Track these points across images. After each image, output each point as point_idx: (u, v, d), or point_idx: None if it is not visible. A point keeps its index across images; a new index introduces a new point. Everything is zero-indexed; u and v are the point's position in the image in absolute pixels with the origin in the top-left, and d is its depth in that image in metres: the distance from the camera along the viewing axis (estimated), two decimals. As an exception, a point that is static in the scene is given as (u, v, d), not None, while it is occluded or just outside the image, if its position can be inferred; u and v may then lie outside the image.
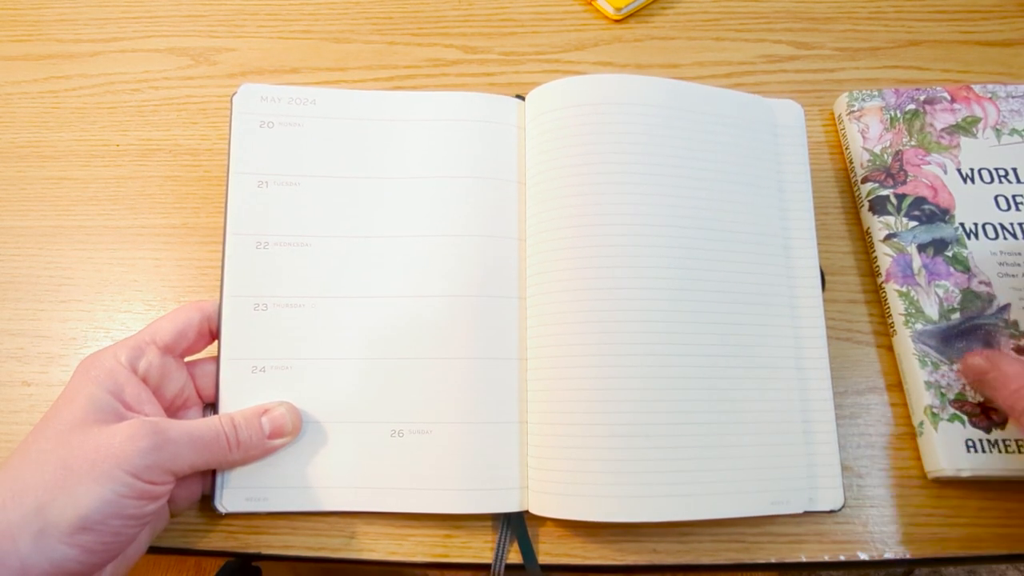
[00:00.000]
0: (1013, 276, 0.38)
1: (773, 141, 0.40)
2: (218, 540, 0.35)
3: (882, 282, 0.40)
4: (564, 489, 0.34)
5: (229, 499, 0.35)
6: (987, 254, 0.39)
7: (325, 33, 0.51)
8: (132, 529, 0.30)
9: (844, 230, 0.43)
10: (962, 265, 0.39)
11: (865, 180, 0.42)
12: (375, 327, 0.37)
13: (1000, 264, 0.39)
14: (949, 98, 0.43)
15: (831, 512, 0.35)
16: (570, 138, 0.38)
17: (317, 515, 0.36)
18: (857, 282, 0.42)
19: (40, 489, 0.28)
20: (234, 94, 0.40)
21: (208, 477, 0.35)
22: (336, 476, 0.35)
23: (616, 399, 0.34)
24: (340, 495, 0.35)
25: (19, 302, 0.42)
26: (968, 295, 0.38)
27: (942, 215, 0.40)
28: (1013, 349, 0.37)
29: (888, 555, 0.35)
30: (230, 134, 0.39)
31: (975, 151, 0.42)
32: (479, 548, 0.35)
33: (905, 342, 0.38)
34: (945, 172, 0.41)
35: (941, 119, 0.43)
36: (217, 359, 0.36)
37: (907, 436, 0.38)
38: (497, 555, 0.34)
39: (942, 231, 0.40)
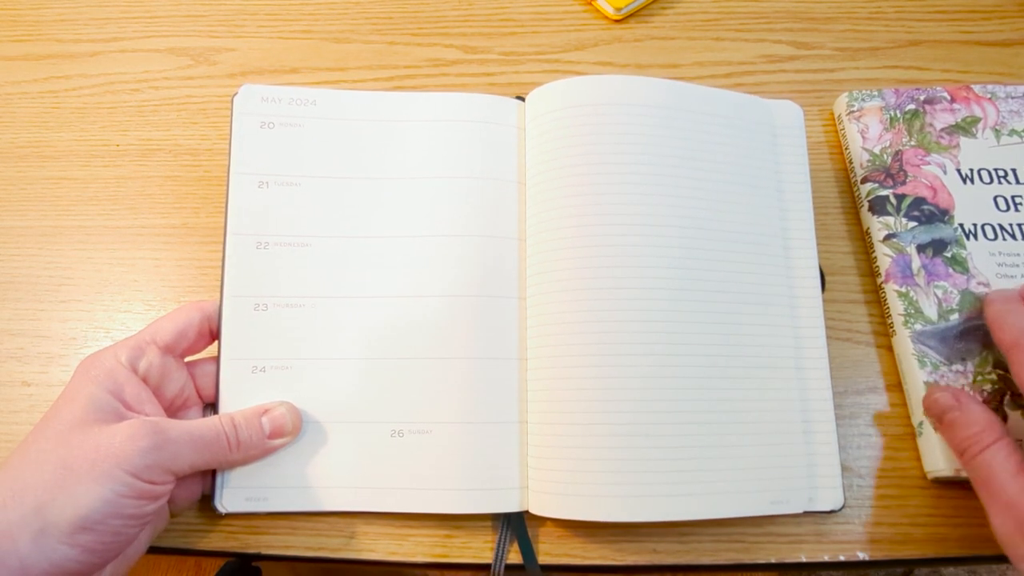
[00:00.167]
0: (1012, 277, 0.38)
1: (772, 141, 0.40)
2: (218, 540, 0.35)
3: (881, 282, 0.40)
4: (564, 489, 0.34)
5: (229, 499, 0.35)
6: (986, 255, 0.39)
7: (325, 33, 0.51)
8: (132, 529, 0.30)
9: (844, 230, 0.43)
10: (961, 266, 0.39)
11: (865, 180, 0.42)
12: (375, 327, 0.37)
13: (999, 265, 0.39)
14: (949, 98, 0.43)
15: (831, 512, 0.35)
16: (570, 139, 0.38)
17: (317, 515, 0.36)
18: (857, 282, 0.42)
19: (40, 489, 0.28)
20: (234, 95, 0.40)
21: (208, 477, 0.35)
22: (336, 476, 0.35)
23: (616, 399, 0.34)
24: (340, 495, 0.35)
25: (19, 302, 0.42)
26: (967, 296, 0.38)
27: (941, 216, 0.40)
28: None
29: (888, 555, 0.35)
30: (230, 135, 0.39)
31: (975, 151, 0.42)
32: (479, 548, 0.35)
33: (904, 342, 0.38)
34: (945, 172, 0.41)
35: (941, 119, 0.43)
36: (217, 359, 0.36)
37: (907, 436, 0.38)
38: (497, 555, 0.34)
39: (941, 232, 0.40)
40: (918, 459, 0.37)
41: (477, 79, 0.49)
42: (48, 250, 0.43)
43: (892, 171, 0.42)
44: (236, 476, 0.35)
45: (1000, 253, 0.39)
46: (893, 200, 0.41)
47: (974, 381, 0.36)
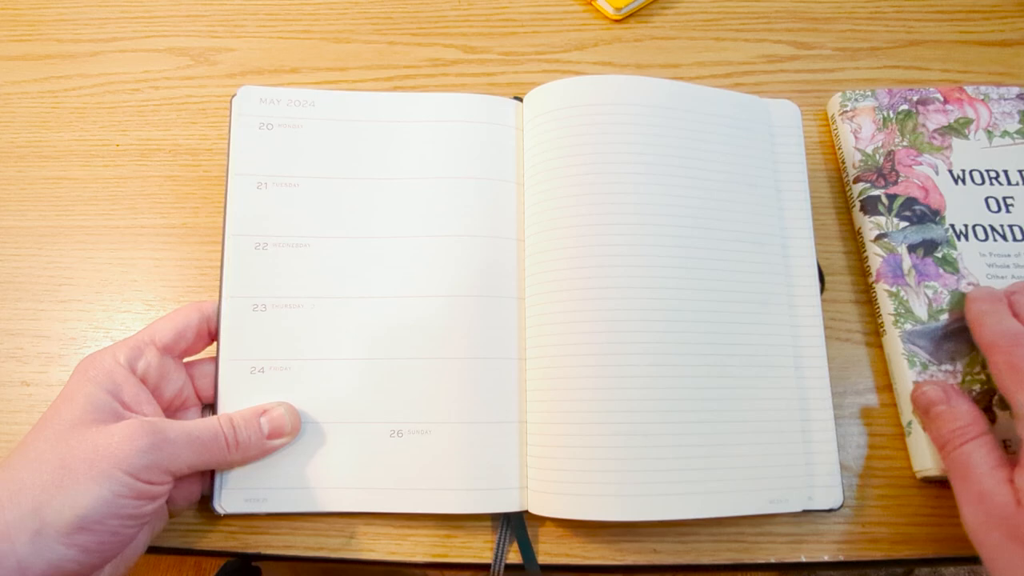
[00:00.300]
0: (1002, 278, 0.38)
1: (770, 141, 0.40)
2: (218, 540, 0.35)
3: (872, 282, 0.40)
4: (563, 488, 0.34)
5: (228, 500, 0.34)
6: (976, 255, 0.39)
7: (325, 33, 0.51)
8: (130, 529, 0.30)
9: (839, 230, 0.43)
10: (951, 266, 0.39)
11: (857, 180, 0.42)
12: (374, 327, 0.37)
13: (989, 266, 0.39)
14: (942, 99, 0.44)
15: (830, 511, 0.35)
16: (568, 138, 0.38)
17: (317, 515, 0.36)
18: (852, 282, 0.42)
19: (38, 489, 0.28)
20: (233, 96, 0.40)
21: (207, 478, 0.35)
22: (335, 477, 0.35)
23: (615, 398, 0.34)
24: (339, 496, 0.35)
25: (19, 302, 0.42)
26: (957, 296, 0.38)
27: (933, 216, 0.40)
28: None
29: (888, 555, 0.35)
30: (229, 136, 0.39)
31: (967, 152, 0.42)
32: (479, 548, 0.35)
33: (894, 342, 0.38)
34: (936, 173, 0.41)
35: (934, 120, 0.43)
36: (216, 360, 0.36)
37: (899, 436, 0.38)
38: (497, 555, 0.34)
39: (932, 232, 0.40)
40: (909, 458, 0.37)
41: (477, 79, 0.49)
42: (48, 250, 0.43)
43: (884, 171, 0.42)
44: (235, 477, 0.35)
45: (991, 254, 0.39)
46: (885, 200, 0.41)
47: (963, 381, 0.36)
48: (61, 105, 0.48)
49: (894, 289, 0.39)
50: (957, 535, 0.35)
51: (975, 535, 0.31)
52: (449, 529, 0.36)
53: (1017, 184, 0.41)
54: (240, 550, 0.35)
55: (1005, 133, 0.42)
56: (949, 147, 0.42)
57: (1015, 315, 0.34)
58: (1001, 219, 0.40)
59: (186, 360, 0.36)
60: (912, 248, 0.39)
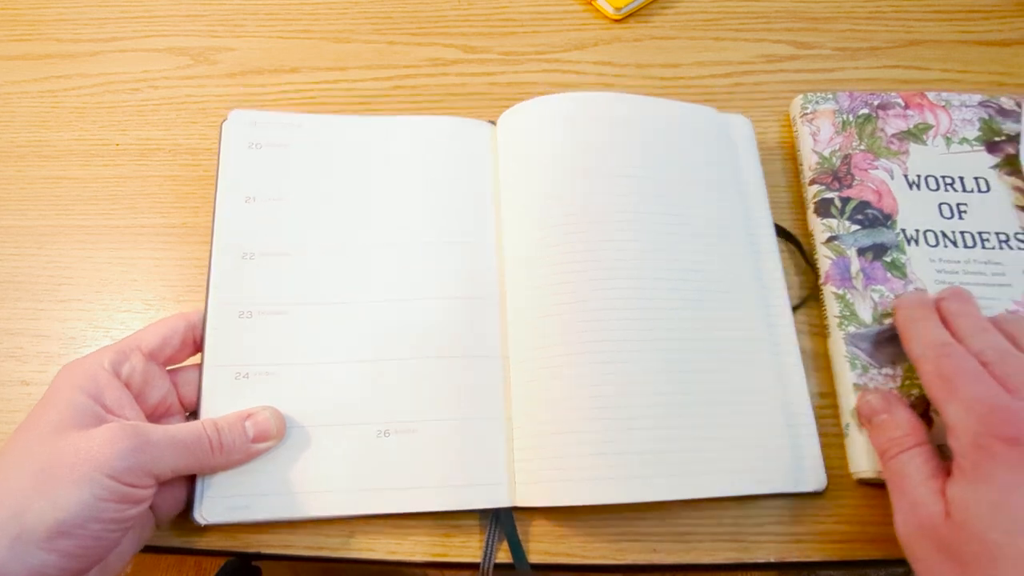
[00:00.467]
0: (950, 284, 0.38)
1: (730, 146, 0.43)
2: (218, 540, 0.35)
3: (821, 284, 0.40)
4: (547, 476, 0.34)
5: (209, 508, 0.34)
6: (926, 261, 0.39)
7: (325, 33, 0.51)
8: (113, 534, 0.29)
9: (802, 232, 0.43)
10: (900, 271, 0.39)
11: (812, 183, 0.42)
12: (359, 331, 0.37)
13: (938, 271, 0.39)
14: (903, 104, 0.44)
15: (816, 493, 0.35)
16: (538, 152, 0.41)
17: (305, 521, 0.36)
18: (808, 283, 0.41)
19: (18, 494, 0.28)
20: (224, 120, 0.42)
21: (193, 484, 0.34)
22: (322, 480, 0.35)
23: (595, 384, 0.35)
24: (326, 499, 0.34)
25: (18, 301, 0.42)
26: None
27: (884, 220, 0.40)
28: None
29: (888, 555, 0.35)
30: (219, 155, 0.41)
31: (924, 158, 0.42)
32: (478, 547, 0.35)
33: (837, 344, 0.38)
34: (892, 177, 0.41)
35: (893, 124, 0.43)
36: (200, 366, 0.36)
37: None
38: (486, 553, 0.34)
39: (883, 236, 0.40)
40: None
41: (477, 79, 0.49)
42: (48, 250, 0.43)
43: (840, 174, 0.42)
44: (216, 484, 0.34)
45: (940, 260, 0.39)
46: (838, 203, 0.41)
47: (902, 385, 0.36)
48: (61, 105, 0.48)
49: (841, 292, 0.39)
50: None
51: (906, 544, 0.30)
52: (448, 528, 0.36)
53: (972, 191, 0.41)
54: (240, 550, 0.35)
55: (964, 140, 0.42)
56: (906, 152, 0.42)
57: (944, 322, 0.34)
58: (953, 225, 0.40)
59: (170, 368, 0.36)
60: (862, 251, 0.39)
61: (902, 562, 0.35)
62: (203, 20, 0.51)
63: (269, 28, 0.51)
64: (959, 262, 0.39)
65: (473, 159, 0.42)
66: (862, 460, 0.35)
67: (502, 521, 0.35)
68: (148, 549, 0.34)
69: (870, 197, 0.41)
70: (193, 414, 0.36)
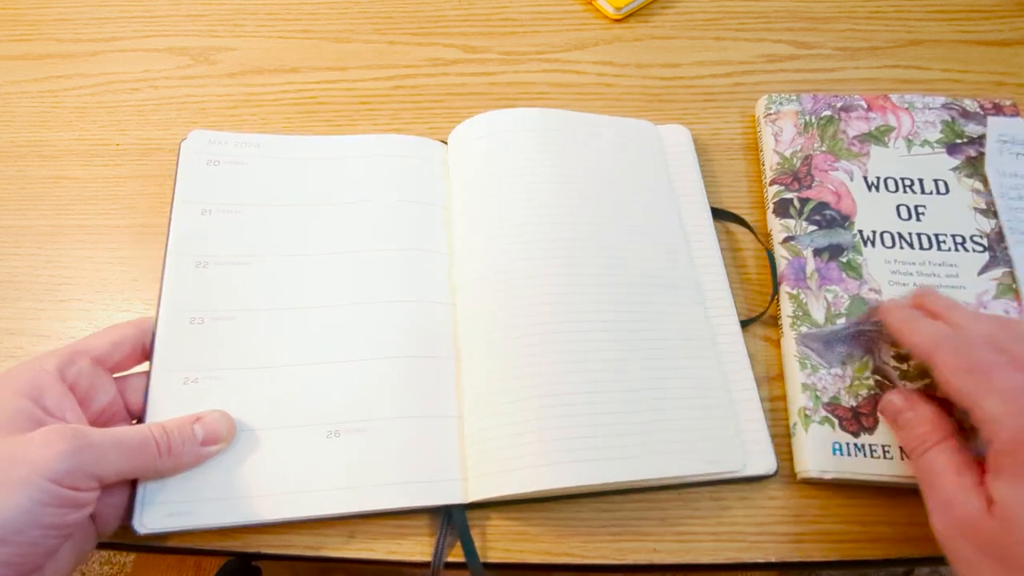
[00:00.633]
0: (904, 285, 0.38)
1: (662, 153, 0.44)
2: (218, 540, 0.35)
3: (777, 284, 0.40)
4: (497, 468, 0.34)
5: (150, 516, 0.32)
6: (881, 262, 0.39)
7: (325, 32, 0.51)
8: (52, 540, 0.28)
9: (763, 232, 0.43)
10: (855, 272, 0.39)
11: (772, 183, 0.43)
12: (308, 334, 0.38)
13: (892, 272, 0.39)
14: (866, 106, 0.44)
15: (766, 477, 0.35)
16: (481, 165, 0.43)
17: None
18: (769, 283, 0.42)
19: None
20: (183, 140, 0.42)
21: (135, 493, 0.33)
22: (268, 483, 0.34)
23: (541, 374, 0.35)
24: (273, 503, 0.34)
25: (18, 301, 0.42)
26: (857, 301, 0.38)
27: (842, 221, 0.40)
28: (893, 356, 0.37)
29: (888, 555, 0.35)
30: (176, 171, 0.41)
31: (884, 160, 0.42)
32: (478, 547, 0.35)
33: (789, 343, 0.38)
34: (851, 179, 0.42)
35: (855, 127, 0.43)
36: (148, 372, 0.36)
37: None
38: (436, 552, 0.34)
39: (840, 237, 0.40)
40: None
41: (477, 78, 0.49)
42: (48, 249, 0.43)
43: (800, 175, 0.42)
44: (157, 491, 0.33)
45: (895, 261, 0.39)
46: (797, 204, 0.41)
47: (851, 385, 0.36)
48: (61, 105, 0.48)
49: (795, 292, 0.39)
50: (957, 535, 0.35)
51: (944, 543, 0.29)
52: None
53: (931, 193, 0.41)
54: (240, 550, 0.35)
55: (925, 142, 0.43)
56: (867, 154, 0.42)
57: (934, 316, 0.33)
58: (911, 227, 0.40)
59: (117, 375, 0.35)
60: (818, 252, 0.40)
61: (902, 562, 0.35)
62: (203, 20, 0.51)
63: (269, 28, 0.51)
64: (914, 263, 0.39)
65: (426, 173, 0.44)
66: (805, 460, 0.35)
67: (455, 519, 0.35)
68: (148, 549, 0.34)
69: (829, 198, 0.41)
70: (139, 421, 0.35)
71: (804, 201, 0.41)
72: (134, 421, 0.35)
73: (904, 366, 0.36)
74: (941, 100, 0.44)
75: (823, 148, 0.43)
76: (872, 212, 0.41)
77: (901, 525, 0.35)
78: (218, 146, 0.42)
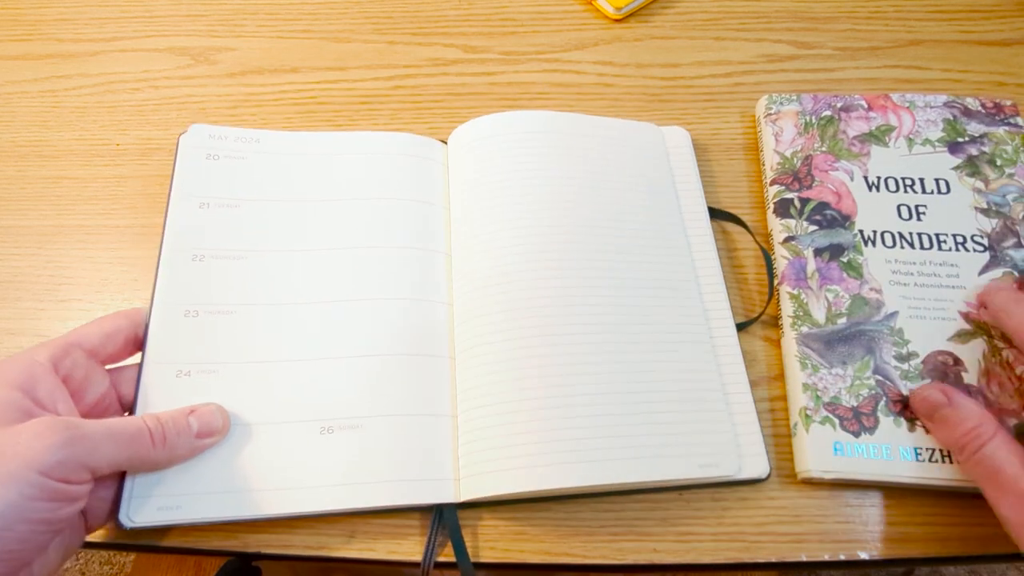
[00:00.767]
0: (904, 285, 0.38)
1: (665, 156, 0.44)
2: (218, 540, 0.35)
3: (778, 284, 0.40)
4: (491, 468, 0.34)
5: (137, 510, 0.32)
6: (882, 262, 0.39)
7: (325, 32, 0.51)
8: (41, 536, 0.28)
9: (763, 232, 0.43)
10: (856, 271, 0.39)
11: (773, 183, 0.43)
12: (306, 330, 0.38)
13: (893, 272, 0.39)
14: (866, 106, 0.44)
15: (759, 481, 0.35)
16: (482, 166, 0.42)
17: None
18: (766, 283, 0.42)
19: None
20: (182, 134, 0.42)
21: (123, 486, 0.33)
22: (259, 479, 0.34)
23: (535, 375, 0.35)
24: (266, 499, 0.34)
25: (19, 301, 0.42)
26: (857, 301, 0.38)
27: (843, 221, 0.40)
28: (894, 357, 0.37)
29: (888, 555, 0.35)
30: (175, 165, 0.41)
31: (885, 159, 0.42)
32: (478, 547, 0.35)
33: (789, 343, 0.38)
34: (852, 179, 0.42)
35: (855, 127, 0.43)
36: (140, 363, 0.35)
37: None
38: (427, 551, 0.34)
39: (840, 237, 0.40)
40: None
41: (477, 78, 0.49)
42: (48, 249, 0.43)
43: (800, 175, 0.42)
44: (145, 484, 0.33)
45: (896, 260, 0.39)
46: (797, 204, 0.41)
47: (851, 385, 0.36)
48: (61, 105, 0.48)
49: (795, 292, 0.39)
50: (958, 535, 0.35)
51: (1022, 537, 0.29)
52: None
53: (932, 192, 0.41)
54: (240, 550, 0.35)
55: (926, 141, 0.43)
56: (867, 154, 0.42)
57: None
58: (911, 227, 0.40)
59: (110, 367, 0.35)
60: (818, 252, 0.40)
61: (903, 562, 0.35)
62: (203, 20, 0.51)
63: (269, 28, 0.51)
64: (914, 263, 0.39)
65: (426, 172, 0.44)
66: (807, 460, 0.35)
67: (446, 518, 0.35)
68: (148, 549, 0.34)
69: (829, 198, 0.41)
70: (131, 413, 0.35)
71: (805, 201, 0.41)
72: (126, 413, 0.35)
73: (904, 366, 0.36)
74: (943, 99, 0.44)
75: (823, 148, 0.43)
76: (873, 212, 0.41)
77: (902, 525, 0.35)
78: (218, 140, 0.42)
